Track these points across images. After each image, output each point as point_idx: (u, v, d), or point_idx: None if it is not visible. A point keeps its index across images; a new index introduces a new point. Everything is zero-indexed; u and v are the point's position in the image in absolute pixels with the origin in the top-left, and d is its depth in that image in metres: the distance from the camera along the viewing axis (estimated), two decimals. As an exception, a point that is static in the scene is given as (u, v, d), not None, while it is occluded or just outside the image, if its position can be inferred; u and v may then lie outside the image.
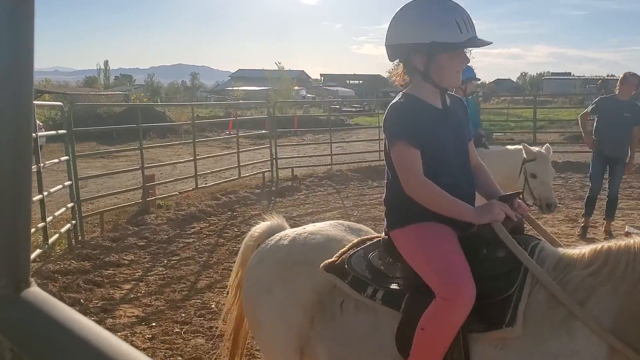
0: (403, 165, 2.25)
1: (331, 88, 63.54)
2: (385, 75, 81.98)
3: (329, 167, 13.37)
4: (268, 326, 2.59)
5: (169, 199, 9.86)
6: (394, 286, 2.29)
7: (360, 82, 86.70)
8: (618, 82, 7.44)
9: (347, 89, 67.68)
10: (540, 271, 2.04)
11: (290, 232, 2.77)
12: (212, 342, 4.63)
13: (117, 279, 6.25)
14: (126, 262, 6.83)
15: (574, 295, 1.95)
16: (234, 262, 7.22)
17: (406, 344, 2.16)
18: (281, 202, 10.50)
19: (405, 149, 2.22)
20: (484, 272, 2.10)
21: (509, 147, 6.11)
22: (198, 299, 5.64)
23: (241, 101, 33.61)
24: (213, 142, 18.36)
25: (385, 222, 2.41)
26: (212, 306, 5.43)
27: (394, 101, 2.33)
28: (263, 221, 3.02)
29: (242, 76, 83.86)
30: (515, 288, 2.05)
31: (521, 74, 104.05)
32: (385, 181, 2.44)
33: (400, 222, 2.32)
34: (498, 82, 71.31)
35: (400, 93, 2.37)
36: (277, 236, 2.77)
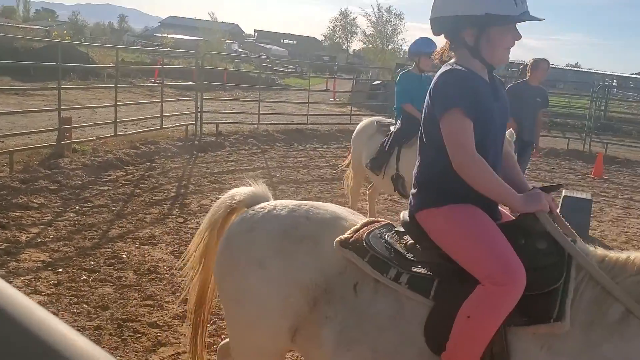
0: (456, 136, 2.04)
1: (265, 45, 62.49)
2: (320, 38, 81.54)
3: (255, 126, 13.27)
4: (254, 304, 2.28)
5: (85, 144, 9.48)
6: (420, 270, 2.11)
7: (295, 42, 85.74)
8: (528, 68, 7.63)
9: (280, 48, 66.81)
10: (593, 266, 1.94)
11: (283, 203, 2.47)
12: (120, 291, 4.60)
13: (24, 222, 6.01)
14: (35, 205, 6.57)
15: (630, 296, 1.85)
16: (150, 213, 7.20)
17: (437, 334, 2.01)
18: (203, 158, 10.35)
19: (460, 118, 2.04)
20: (526, 262, 1.96)
21: None
22: (109, 248, 5.54)
23: (169, 49, 32.45)
24: (137, 89, 17.73)
25: (412, 202, 2.24)
26: (123, 256, 5.35)
27: (441, 71, 2.16)
28: (242, 185, 2.71)
29: (173, 23, 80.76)
30: (562, 281, 1.94)
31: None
32: (419, 157, 2.27)
33: (437, 201, 2.13)
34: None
35: (448, 65, 2.18)
36: (268, 205, 2.47)
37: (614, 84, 38.19)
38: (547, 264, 1.99)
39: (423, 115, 2.24)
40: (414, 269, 2.11)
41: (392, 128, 6.21)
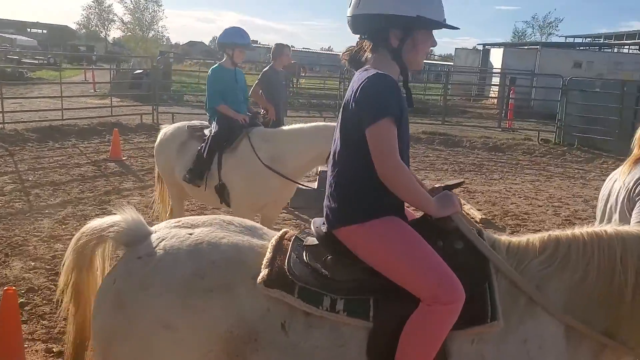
0: (385, 145, 1.97)
1: (8, 36, 55.76)
2: (75, 26, 75.44)
3: (0, 126, 12.01)
4: None
5: None
6: (352, 292, 2.01)
7: (45, 31, 77.98)
8: (272, 54, 8.00)
9: (27, 39, 60.22)
10: (502, 262, 2.03)
11: (170, 235, 2.18)
12: None
13: None
14: None
15: (532, 282, 2.00)
16: None
17: (381, 355, 1.96)
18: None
19: (391, 127, 1.98)
20: (449, 264, 1.97)
21: (320, 123, 5.56)
22: None
23: None
24: None
25: (329, 215, 2.11)
26: None
27: (369, 75, 2.03)
28: (106, 214, 2.37)
29: None
30: (488, 281, 2.00)
31: (213, 37, 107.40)
32: (337, 167, 2.13)
33: (360, 217, 2.04)
34: (191, 44, 72.09)
35: (371, 69, 2.07)
36: (154, 244, 2.15)
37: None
38: (469, 264, 2.03)
39: (342, 122, 2.11)
40: (348, 292, 2.01)
41: (207, 132, 5.54)
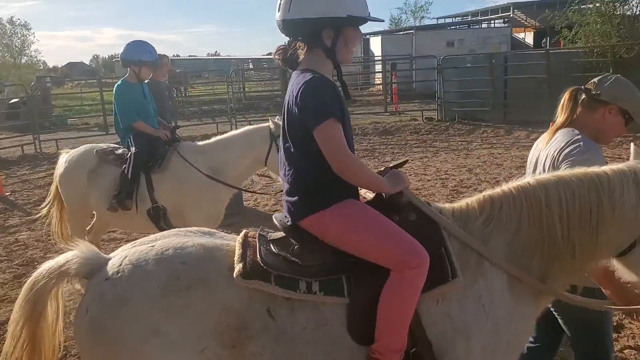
0: (335, 142, 2.13)
1: None
2: None
3: None
4: None
5: None
6: (324, 273, 2.15)
7: None
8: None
9: None
10: (452, 226, 2.23)
11: (128, 255, 2.20)
12: None
13: None
14: None
15: (478, 240, 2.21)
16: None
17: (361, 327, 2.10)
18: None
19: (336, 125, 2.13)
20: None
21: (249, 127, 5.41)
22: None
23: None
24: None
25: (291, 209, 2.25)
26: None
27: (308, 77, 2.16)
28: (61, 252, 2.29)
29: None
30: (443, 245, 2.19)
31: (93, 56, 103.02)
32: (291, 166, 2.26)
33: (322, 204, 2.19)
34: (71, 65, 68.83)
35: (307, 71, 2.20)
36: (114, 266, 2.17)
37: (250, 66, 42.34)
38: (424, 232, 2.20)
39: (288, 126, 2.24)
40: (320, 274, 2.15)
41: (120, 152, 5.25)
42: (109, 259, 2.22)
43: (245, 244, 2.24)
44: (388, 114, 18.51)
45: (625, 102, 2.73)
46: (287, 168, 2.28)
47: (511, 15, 39.34)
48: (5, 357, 2.21)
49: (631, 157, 2.36)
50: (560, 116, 2.84)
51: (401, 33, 35.43)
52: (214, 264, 2.15)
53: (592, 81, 2.83)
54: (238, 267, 2.11)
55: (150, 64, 5.52)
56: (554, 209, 2.17)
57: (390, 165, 2.39)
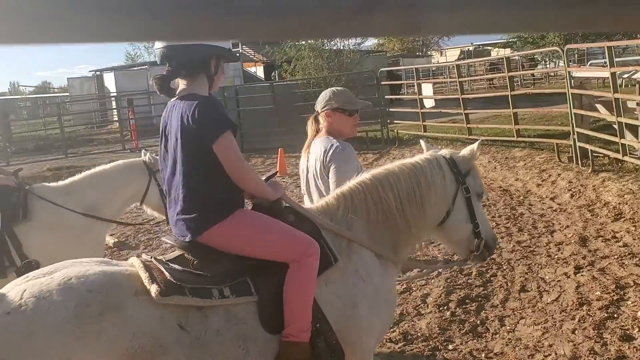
0: (234, 152, 2.36)
1: None
2: None
3: None
4: None
5: None
6: (230, 279, 2.31)
7: None
8: None
9: None
10: (324, 221, 2.59)
11: (34, 286, 2.08)
12: None
13: None
14: None
15: (344, 228, 2.60)
16: None
17: (273, 319, 2.31)
18: None
19: (232, 138, 2.35)
20: None
21: (120, 162, 4.95)
22: None
23: None
24: None
25: (189, 226, 2.36)
26: None
27: (199, 99, 2.35)
28: None
29: None
30: (321, 237, 2.51)
31: None
32: (186, 184, 2.37)
33: (219, 217, 2.35)
34: None
35: (191, 94, 2.39)
36: (14, 298, 2.04)
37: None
38: (304, 229, 2.50)
39: (182, 145, 2.35)
40: (225, 280, 2.30)
41: None
42: (3, 294, 2.09)
43: (147, 267, 2.27)
44: (128, 151, 18.10)
45: (330, 103, 3.47)
46: (181, 189, 2.39)
47: (241, 51, 41.73)
48: None
49: (424, 150, 3.04)
50: (309, 133, 3.58)
51: (135, 68, 34.89)
52: (120, 290, 2.17)
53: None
54: (153, 287, 2.16)
55: None
56: (388, 192, 2.69)
57: (265, 177, 2.67)
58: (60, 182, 4.79)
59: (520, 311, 4.72)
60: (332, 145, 3.35)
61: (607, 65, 8.29)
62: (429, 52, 42.37)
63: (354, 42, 18.30)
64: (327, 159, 3.32)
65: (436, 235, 3.08)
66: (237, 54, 46.22)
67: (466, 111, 12.86)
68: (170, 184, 2.47)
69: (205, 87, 2.48)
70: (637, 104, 8.31)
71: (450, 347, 4.27)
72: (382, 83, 15.49)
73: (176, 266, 2.34)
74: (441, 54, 44.66)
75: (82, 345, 2.01)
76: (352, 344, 2.49)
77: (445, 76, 24.77)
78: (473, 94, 19.73)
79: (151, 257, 2.42)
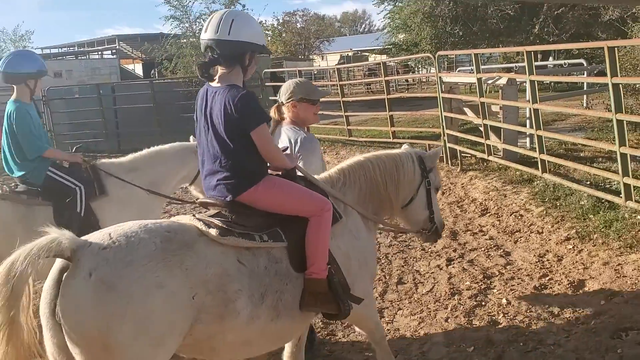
0: (267, 140, 2.93)
1: None
2: None
3: None
4: (163, 322, 2.38)
5: None
6: (264, 229, 2.87)
7: None
8: None
9: None
10: (328, 187, 3.25)
11: (119, 228, 2.53)
12: None
13: None
14: None
15: (342, 195, 3.30)
16: None
17: (298, 260, 2.88)
18: None
19: (266, 127, 2.91)
20: None
21: (177, 144, 5.12)
22: None
23: None
24: None
25: (230, 190, 2.87)
26: None
27: (242, 92, 2.80)
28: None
29: None
30: (327, 198, 3.13)
31: None
32: (226, 159, 2.86)
33: (252, 182, 2.89)
34: None
35: (234, 86, 2.83)
36: (105, 238, 2.45)
37: None
38: (315, 192, 3.11)
39: (225, 126, 2.81)
40: (263, 230, 2.86)
41: (23, 188, 4.53)
42: (86, 240, 2.43)
43: (197, 220, 2.75)
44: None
45: (294, 94, 3.80)
46: (223, 161, 2.87)
47: (117, 47, 39.88)
48: None
49: (404, 147, 3.73)
50: (273, 121, 3.87)
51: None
52: (189, 232, 2.63)
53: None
54: (212, 230, 2.68)
55: (44, 74, 4.69)
56: (377, 172, 3.41)
57: (284, 148, 3.50)
58: (122, 159, 4.98)
59: (398, 302, 4.97)
60: (300, 137, 3.77)
61: (473, 72, 8.93)
62: (310, 56, 43.08)
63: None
64: (296, 150, 3.70)
65: (399, 216, 3.72)
66: (114, 50, 44.37)
67: (346, 113, 13.28)
68: (209, 155, 2.93)
69: (240, 76, 2.93)
70: (500, 108, 9.05)
71: (333, 340, 4.40)
72: (266, 84, 15.53)
73: (218, 220, 2.80)
74: (322, 58, 45.63)
75: (170, 272, 2.42)
76: (349, 285, 3.10)
77: (327, 79, 25.33)
78: (352, 97, 20.41)
79: (194, 215, 2.88)
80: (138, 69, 38.97)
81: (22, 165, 4.57)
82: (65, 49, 47.92)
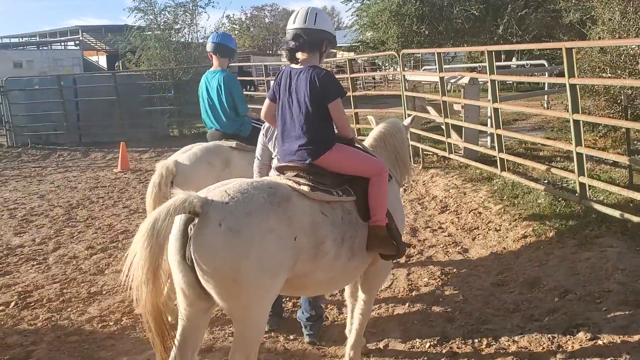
0: (342, 112, 3.50)
1: None
2: None
3: None
4: (274, 260, 2.92)
5: None
6: (337, 186, 3.41)
7: None
8: None
9: None
10: (375, 154, 3.80)
11: (231, 189, 2.98)
12: None
13: None
14: None
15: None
16: None
17: (364, 212, 3.44)
18: None
19: (340, 102, 3.47)
20: None
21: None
22: None
23: None
24: None
25: (310, 153, 3.41)
26: None
27: (324, 70, 3.46)
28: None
29: None
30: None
31: None
32: (308, 127, 3.41)
33: (326, 148, 3.43)
34: None
35: (316, 67, 3.46)
36: (223, 192, 2.95)
37: None
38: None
39: (310, 98, 3.38)
40: (337, 186, 3.40)
41: (233, 144, 5.49)
42: (206, 198, 2.89)
43: (287, 179, 3.31)
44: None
45: None
46: (305, 129, 3.42)
47: (81, 38, 38.99)
48: (137, 289, 2.73)
49: (373, 124, 4.35)
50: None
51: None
52: (285, 189, 3.15)
53: None
54: (304, 187, 3.22)
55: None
56: (395, 140, 4.09)
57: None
58: None
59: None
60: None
61: (437, 71, 9.00)
62: (279, 52, 42.91)
63: (202, 36, 17.93)
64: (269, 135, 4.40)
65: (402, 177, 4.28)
66: (78, 42, 43.38)
67: (312, 109, 13.19)
68: (293, 125, 3.48)
69: (317, 60, 3.55)
70: (462, 107, 9.16)
71: (291, 337, 4.38)
72: (233, 78, 15.33)
73: (305, 179, 3.33)
74: (291, 53, 45.42)
75: (278, 219, 2.96)
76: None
77: (294, 75, 25.13)
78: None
79: (279, 176, 3.49)
80: (102, 60, 38.20)
81: (234, 122, 5.72)
82: (27, 38, 46.63)
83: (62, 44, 41.23)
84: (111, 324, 4.76)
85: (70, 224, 7.96)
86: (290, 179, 3.29)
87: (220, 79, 5.64)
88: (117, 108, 15.27)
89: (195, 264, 2.81)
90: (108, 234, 7.40)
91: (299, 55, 3.51)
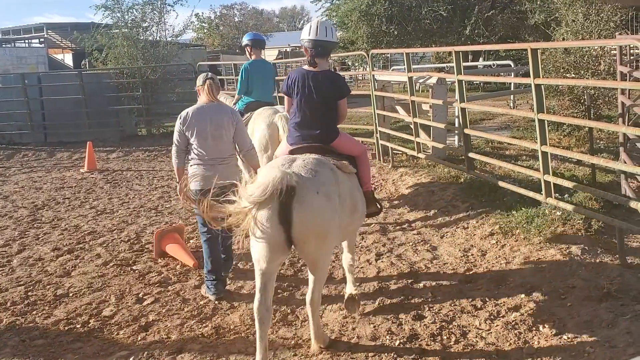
0: (345, 107, 4.59)
1: None
2: None
3: None
4: (335, 219, 3.80)
5: None
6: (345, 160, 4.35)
7: None
8: None
9: None
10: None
11: (305, 167, 3.81)
12: None
13: None
14: None
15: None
16: None
17: (360, 180, 4.48)
18: None
19: (345, 99, 4.55)
20: None
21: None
22: None
23: None
24: None
25: (325, 138, 4.42)
26: None
27: (337, 74, 4.77)
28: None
29: None
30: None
31: None
32: (322, 116, 4.43)
33: (337, 133, 4.50)
34: None
35: (329, 71, 4.55)
36: (306, 172, 3.76)
37: None
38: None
39: (323, 95, 4.38)
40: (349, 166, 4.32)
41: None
42: (286, 172, 3.59)
43: (325, 158, 4.18)
44: None
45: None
46: (320, 118, 4.40)
47: (45, 36, 38.14)
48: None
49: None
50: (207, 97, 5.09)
51: None
52: (327, 167, 3.96)
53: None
54: (336, 162, 4.18)
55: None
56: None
57: None
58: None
59: (327, 298, 4.98)
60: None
61: (406, 71, 9.08)
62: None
63: (171, 34, 17.69)
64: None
65: None
66: (42, 39, 42.36)
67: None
68: (313, 115, 4.39)
69: (327, 63, 4.53)
70: (430, 107, 9.26)
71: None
72: (201, 77, 15.17)
73: (330, 160, 4.16)
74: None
75: (337, 188, 3.89)
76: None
77: (264, 74, 25.08)
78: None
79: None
80: (68, 59, 37.39)
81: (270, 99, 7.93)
82: (-12, 35, 45.30)
83: (26, 41, 40.23)
84: (78, 326, 4.69)
85: (35, 225, 7.80)
86: (330, 158, 4.19)
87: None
88: (84, 107, 14.98)
89: (294, 224, 3.54)
90: (75, 235, 7.26)
91: (317, 60, 4.45)
